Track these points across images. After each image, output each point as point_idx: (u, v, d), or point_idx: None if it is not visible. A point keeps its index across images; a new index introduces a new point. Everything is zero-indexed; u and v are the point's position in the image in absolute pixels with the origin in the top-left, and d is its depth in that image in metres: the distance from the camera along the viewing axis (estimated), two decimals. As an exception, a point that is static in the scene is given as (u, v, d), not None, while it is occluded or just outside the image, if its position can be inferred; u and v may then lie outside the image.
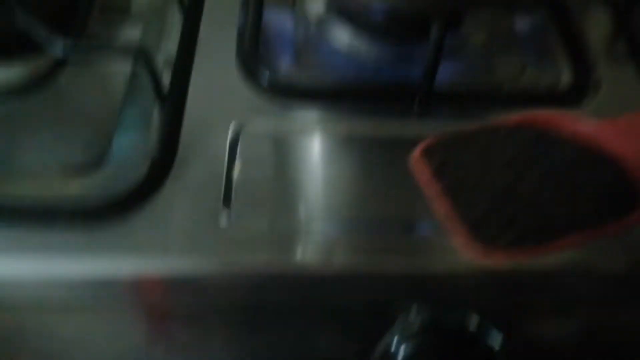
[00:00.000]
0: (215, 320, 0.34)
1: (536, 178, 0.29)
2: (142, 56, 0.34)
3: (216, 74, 0.40)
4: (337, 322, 0.34)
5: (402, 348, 0.34)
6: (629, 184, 0.29)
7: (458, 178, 0.29)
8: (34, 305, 0.33)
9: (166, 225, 0.33)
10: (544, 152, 0.30)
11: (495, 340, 0.34)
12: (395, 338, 0.34)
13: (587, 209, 0.28)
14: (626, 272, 0.33)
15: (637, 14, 0.44)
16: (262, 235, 0.33)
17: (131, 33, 0.44)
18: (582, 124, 0.31)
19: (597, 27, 0.44)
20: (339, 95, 0.39)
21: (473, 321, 0.34)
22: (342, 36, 0.43)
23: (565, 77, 0.41)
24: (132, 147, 0.37)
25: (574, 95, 0.39)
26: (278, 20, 0.46)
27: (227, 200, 0.34)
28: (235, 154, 0.36)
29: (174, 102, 0.37)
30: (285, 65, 0.43)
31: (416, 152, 0.31)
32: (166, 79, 0.39)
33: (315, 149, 0.37)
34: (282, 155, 0.36)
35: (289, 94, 0.39)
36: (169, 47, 0.42)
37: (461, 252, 0.27)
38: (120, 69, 0.39)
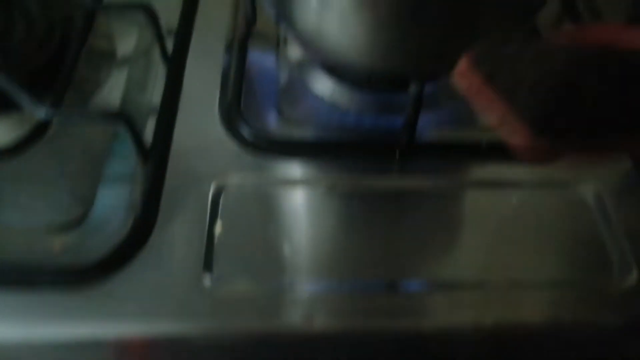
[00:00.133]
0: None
1: (595, 84, 0.28)
2: (124, 120, 0.34)
3: (199, 127, 0.40)
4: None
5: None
6: None
7: (513, 83, 0.28)
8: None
9: (148, 286, 0.33)
10: (601, 61, 0.29)
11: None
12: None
13: None
14: (614, 329, 0.33)
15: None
16: (245, 296, 0.33)
17: (117, 78, 0.44)
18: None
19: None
20: (321, 150, 0.39)
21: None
22: (324, 84, 0.44)
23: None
24: (116, 203, 0.37)
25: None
26: (262, 64, 0.47)
27: (208, 261, 0.34)
28: (218, 211, 0.36)
29: (156, 160, 0.37)
30: (267, 113, 0.43)
31: (461, 65, 0.29)
32: (150, 126, 0.39)
33: (297, 205, 0.37)
34: (264, 212, 0.36)
35: (271, 149, 0.39)
36: (154, 97, 0.42)
37: (520, 155, 0.27)
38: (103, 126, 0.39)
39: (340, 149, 0.39)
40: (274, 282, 0.33)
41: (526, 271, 0.34)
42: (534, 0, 0.35)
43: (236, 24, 0.47)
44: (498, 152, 0.40)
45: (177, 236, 0.35)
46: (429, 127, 0.42)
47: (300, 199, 0.37)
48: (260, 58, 0.47)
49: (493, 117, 0.28)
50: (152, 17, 0.40)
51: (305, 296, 0.33)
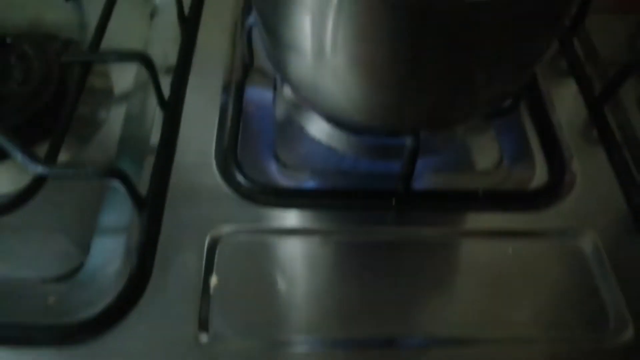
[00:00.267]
0: None
1: None
2: (118, 177, 0.34)
3: (195, 174, 0.40)
4: None
5: None
6: None
7: None
8: None
9: (143, 343, 0.33)
10: None
11: None
12: None
13: None
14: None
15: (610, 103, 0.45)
16: (242, 354, 0.33)
17: (115, 114, 0.44)
18: None
19: (571, 115, 0.45)
20: (318, 199, 0.39)
21: None
22: (320, 127, 0.44)
23: (541, 170, 0.42)
24: (111, 253, 0.37)
25: (549, 196, 0.40)
26: (259, 101, 0.46)
27: (204, 317, 0.34)
28: (213, 264, 0.36)
29: (151, 211, 0.37)
30: (264, 158, 0.43)
31: None
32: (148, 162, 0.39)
33: (293, 256, 0.37)
34: (260, 264, 0.36)
35: (267, 198, 0.39)
36: (152, 132, 0.42)
37: None
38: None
39: (336, 199, 0.39)
40: (270, 339, 0.33)
41: (522, 326, 0.34)
42: (532, 52, 0.35)
43: (234, 65, 0.47)
44: (495, 200, 0.40)
45: (172, 291, 0.35)
46: (425, 171, 0.42)
47: (296, 250, 0.37)
48: (257, 94, 0.47)
49: None
50: (149, 67, 0.40)
51: (302, 354, 0.33)
